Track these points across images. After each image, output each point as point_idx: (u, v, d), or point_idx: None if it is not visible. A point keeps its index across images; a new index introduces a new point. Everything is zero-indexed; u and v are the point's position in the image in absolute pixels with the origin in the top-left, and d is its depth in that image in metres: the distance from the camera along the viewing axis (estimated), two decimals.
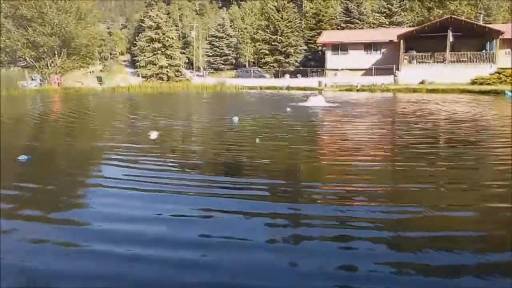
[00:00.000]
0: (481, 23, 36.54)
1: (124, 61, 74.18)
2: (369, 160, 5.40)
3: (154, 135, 7.01)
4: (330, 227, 2.86)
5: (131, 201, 3.51)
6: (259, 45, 52.39)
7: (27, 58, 37.84)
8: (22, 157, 5.09)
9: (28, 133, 8.89)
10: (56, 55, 38.25)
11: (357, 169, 4.77)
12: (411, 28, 36.99)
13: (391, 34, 36.97)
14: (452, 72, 30.10)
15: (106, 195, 3.72)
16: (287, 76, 42.22)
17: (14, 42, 36.01)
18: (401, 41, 33.20)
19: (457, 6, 45.35)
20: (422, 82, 29.21)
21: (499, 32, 30.32)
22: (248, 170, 4.73)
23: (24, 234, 2.78)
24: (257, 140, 6.49)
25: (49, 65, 38.19)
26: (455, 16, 33.98)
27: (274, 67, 49.31)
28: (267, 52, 50.66)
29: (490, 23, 37.87)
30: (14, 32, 36.16)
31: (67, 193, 3.96)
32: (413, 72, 31.41)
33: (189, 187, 3.91)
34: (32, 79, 34.64)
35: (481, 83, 26.01)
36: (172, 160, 5.42)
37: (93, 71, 52.86)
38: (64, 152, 6.38)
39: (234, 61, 63.04)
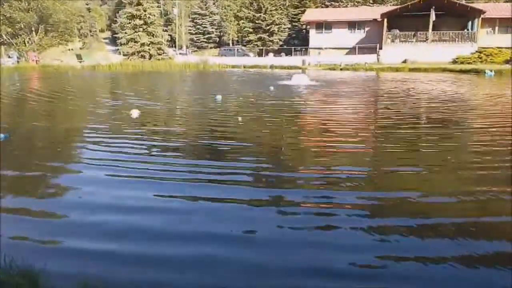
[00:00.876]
0: (463, 2, 36.71)
1: (104, 38, 72.29)
2: (352, 141, 5.45)
3: (135, 113, 6.95)
4: (312, 213, 2.85)
5: (111, 188, 3.39)
6: (243, 23, 51.75)
7: (3, 35, 36.56)
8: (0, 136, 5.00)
9: (5, 112, 8.69)
10: (34, 32, 37.08)
11: (338, 152, 4.75)
12: (395, 7, 36.93)
13: (375, 12, 36.87)
14: (434, 51, 30.38)
15: (87, 182, 3.60)
16: (271, 54, 41.95)
17: None
18: (385, 19, 33.17)
19: None
20: (404, 61, 29.42)
21: (481, 12, 30.53)
22: (231, 153, 4.68)
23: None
24: (239, 119, 6.56)
25: (26, 42, 37.02)
26: None
27: (257, 45, 48.86)
28: (250, 30, 50.07)
29: (472, 2, 38.08)
30: None
31: (45, 178, 3.82)
32: (396, 51, 31.56)
33: (172, 173, 3.78)
34: (9, 57, 33.63)
35: (462, 62, 26.34)
36: (154, 142, 5.38)
37: (72, 49, 51.38)
38: (42, 132, 6.27)
39: (217, 39, 62.16)
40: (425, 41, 32.23)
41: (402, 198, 3.03)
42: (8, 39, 36.85)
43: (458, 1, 34.28)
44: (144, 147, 4.86)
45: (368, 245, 2.38)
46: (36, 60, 33.32)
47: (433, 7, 30.74)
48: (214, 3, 64.25)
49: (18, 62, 32.97)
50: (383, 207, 2.93)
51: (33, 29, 36.82)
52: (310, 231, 2.51)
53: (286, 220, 2.68)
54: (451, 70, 23.16)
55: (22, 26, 36.05)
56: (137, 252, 2.27)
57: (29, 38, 37.08)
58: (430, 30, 31.65)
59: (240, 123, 6.33)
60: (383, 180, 3.63)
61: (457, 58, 27.32)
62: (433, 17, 30.88)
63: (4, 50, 34.99)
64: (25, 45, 36.79)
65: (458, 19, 32.38)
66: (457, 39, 31.39)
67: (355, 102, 10.08)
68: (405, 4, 34.46)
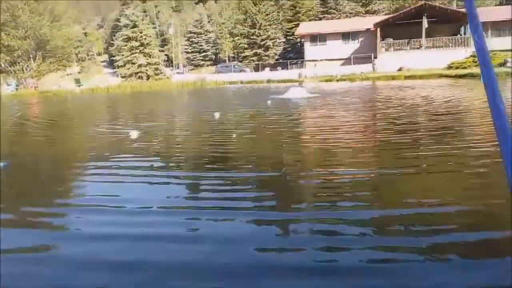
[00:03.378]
0: (454, 8, 37.17)
1: (102, 61, 73.06)
2: (355, 154, 5.47)
3: (134, 134, 6.99)
4: (316, 222, 2.83)
5: (112, 214, 3.35)
6: (238, 39, 52.32)
7: (2, 63, 36.97)
8: None
9: (5, 139, 8.74)
10: (31, 59, 37.51)
11: (340, 157, 4.79)
12: (387, 16, 37.39)
13: (367, 22, 37.32)
14: (429, 57, 30.64)
15: (86, 209, 3.63)
16: (267, 69, 42.32)
17: None
18: (378, 29, 33.56)
19: None
20: (400, 69, 29.64)
21: None
22: (231, 171, 4.72)
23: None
24: (234, 136, 6.67)
25: (24, 69, 37.43)
26: (430, 2, 34.45)
27: (253, 60, 49.31)
28: (246, 46, 50.61)
29: (463, 7, 38.49)
30: None
31: (44, 204, 3.82)
32: (390, 59, 31.83)
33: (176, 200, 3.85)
34: (8, 84, 33.97)
35: (457, 67, 26.53)
36: (153, 162, 5.40)
37: (70, 73, 51.94)
38: (43, 158, 6.30)
39: (213, 56, 62.80)
40: (419, 48, 32.54)
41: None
42: (7, 67, 37.28)
43: (449, 7, 34.71)
44: (143, 169, 4.85)
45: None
46: (35, 87, 33.65)
47: (425, 14, 31.14)
48: (209, 22, 65.10)
49: (17, 89, 33.29)
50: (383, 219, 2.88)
51: (31, 56, 37.28)
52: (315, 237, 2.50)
53: (290, 239, 2.63)
54: (447, 76, 23.32)
55: (20, 54, 36.53)
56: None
57: (27, 65, 37.50)
58: (423, 37, 32.00)
59: (235, 140, 6.38)
60: (388, 193, 3.60)
61: (452, 64, 27.53)
62: (425, 24, 31.26)
63: (3, 78, 35.32)
64: (24, 72, 37.19)
65: (451, 24, 32.76)
66: (450, 44, 31.68)
67: (355, 112, 10.13)
68: (398, 13, 34.93)
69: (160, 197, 3.56)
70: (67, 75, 49.56)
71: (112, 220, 2.97)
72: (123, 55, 44.22)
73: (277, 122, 8.50)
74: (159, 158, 5.52)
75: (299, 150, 5.76)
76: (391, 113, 8.98)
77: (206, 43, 61.34)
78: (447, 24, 32.59)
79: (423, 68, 28.24)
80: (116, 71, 47.97)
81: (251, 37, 49.72)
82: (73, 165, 5.49)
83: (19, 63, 37.33)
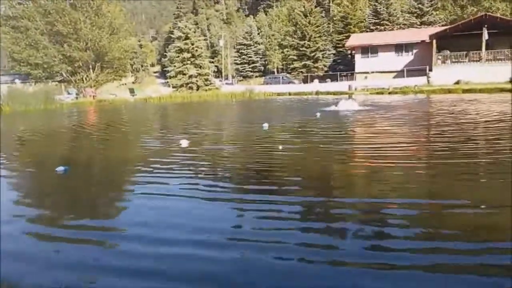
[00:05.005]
0: None
1: (155, 72, 75.96)
2: (407, 169, 5.14)
3: (184, 143, 7.03)
4: (363, 242, 2.66)
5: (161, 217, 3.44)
6: (287, 51, 52.44)
7: (63, 73, 39.33)
8: (60, 168, 5.17)
9: (66, 145, 9.12)
10: (91, 69, 39.59)
11: (394, 185, 4.25)
12: (444, 27, 35.92)
13: (422, 34, 36.08)
14: (489, 71, 28.99)
15: (140, 209, 3.67)
16: (316, 81, 41.96)
17: (51, 58, 37.50)
18: (434, 40, 32.30)
19: (491, 2, 43.85)
20: (457, 82, 28.26)
21: None
22: (278, 184, 4.55)
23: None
24: (280, 147, 6.57)
25: (84, 79, 39.55)
26: (490, 13, 32.75)
27: (302, 72, 49.13)
28: (295, 57, 50.57)
29: None
30: (50, 49, 37.69)
31: (103, 205, 3.95)
32: (447, 72, 30.47)
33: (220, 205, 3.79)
34: (68, 93, 35.96)
35: None
36: (202, 173, 5.37)
37: (125, 83, 54.29)
38: (101, 162, 6.49)
39: (262, 68, 63.31)
40: (478, 61, 30.92)
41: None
42: (68, 76, 39.59)
43: None
44: (192, 179, 4.81)
45: None
46: (93, 96, 35.40)
47: (486, 25, 29.60)
48: (258, 33, 65.86)
49: (77, 98, 35.17)
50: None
51: (90, 66, 39.35)
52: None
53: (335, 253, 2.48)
54: (510, 90, 21.87)
55: (81, 65, 38.66)
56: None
57: (87, 75, 39.61)
58: (483, 49, 30.40)
59: (281, 151, 6.27)
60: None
61: None
62: (486, 36, 29.71)
63: (64, 87, 37.52)
64: (83, 82, 39.29)
65: None
66: None
67: (409, 127, 9.65)
68: (455, 24, 33.48)
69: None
70: (123, 85, 51.85)
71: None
72: (175, 66, 45.62)
73: (327, 136, 8.24)
74: (206, 171, 5.47)
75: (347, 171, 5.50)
76: (453, 131, 8.45)
77: (255, 55, 61.99)
78: (509, 36, 30.73)
79: (483, 81, 26.73)
80: (167, 82, 49.57)
81: (301, 48, 49.62)
82: (124, 173, 5.57)
83: (79, 73, 39.53)
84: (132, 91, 42.08)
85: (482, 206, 3.20)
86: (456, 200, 3.51)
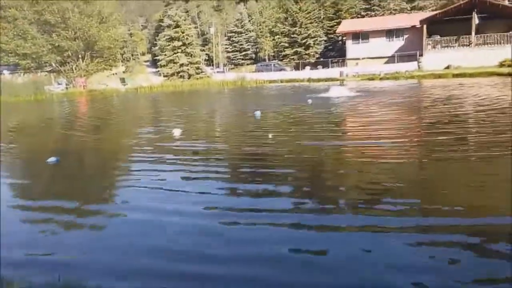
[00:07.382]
0: (507, 3, 35.16)
1: (145, 61, 75.14)
2: (400, 154, 5.26)
3: (177, 132, 7.09)
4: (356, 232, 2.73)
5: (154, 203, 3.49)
6: (278, 38, 52.10)
7: (53, 63, 38.83)
8: (51, 159, 5.23)
9: (57, 135, 9.12)
10: (80, 59, 39.12)
11: (387, 174, 4.30)
12: (434, 12, 35.92)
13: (413, 19, 36.05)
14: (479, 55, 29.15)
15: (133, 198, 3.75)
16: (308, 68, 41.87)
17: (40, 48, 36.97)
18: (424, 26, 32.32)
19: None
20: (447, 67, 28.43)
21: None
22: (271, 174, 4.60)
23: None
24: (270, 136, 6.71)
25: (74, 69, 39.08)
26: None
27: (294, 59, 48.97)
28: (286, 44, 50.32)
29: None
30: (39, 38, 37.12)
31: (94, 197, 4.01)
32: (437, 57, 30.59)
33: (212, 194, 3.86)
34: (58, 83, 35.58)
35: (509, 65, 25.07)
36: (194, 162, 5.44)
37: (116, 73, 53.71)
38: (92, 153, 6.53)
39: (253, 55, 62.95)
40: (468, 45, 31.05)
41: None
42: (57, 66, 39.09)
43: (501, 3, 32.93)
44: (184, 168, 4.89)
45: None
46: (84, 86, 35.05)
47: (476, 10, 29.67)
48: (249, 21, 65.34)
49: (67, 88, 34.82)
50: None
51: (80, 56, 38.86)
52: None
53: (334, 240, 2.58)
54: (499, 74, 22.09)
55: (70, 54, 38.14)
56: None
57: (77, 65, 39.13)
58: (473, 34, 30.52)
59: (272, 139, 6.40)
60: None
61: (504, 61, 26.05)
62: (476, 20, 29.79)
63: (54, 77, 37.10)
64: (73, 72, 38.79)
65: (503, 20, 30.99)
66: (502, 41, 30.00)
67: (400, 111, 9.78)
68: (446, 9, 33.47)
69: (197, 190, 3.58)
70: (113, 74, 51.30)
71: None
72: (165, 54, 45.22)
73: (318, 122, 8.34)
74: (199, 155, 5.55)
75: (339, 159, 5.61)
76: (442, 115, 8.59)
77: (247, 42, 61.57)
78: (499, 20, 30.83)
79: (473, 66, 26.92)
80: (158, 71, 49.14)
81: (292, 35, 49.37)
82: (120, 160, 5.63)
83: (69, 63, 39.00)
84: (123, 80, 41.68)
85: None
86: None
